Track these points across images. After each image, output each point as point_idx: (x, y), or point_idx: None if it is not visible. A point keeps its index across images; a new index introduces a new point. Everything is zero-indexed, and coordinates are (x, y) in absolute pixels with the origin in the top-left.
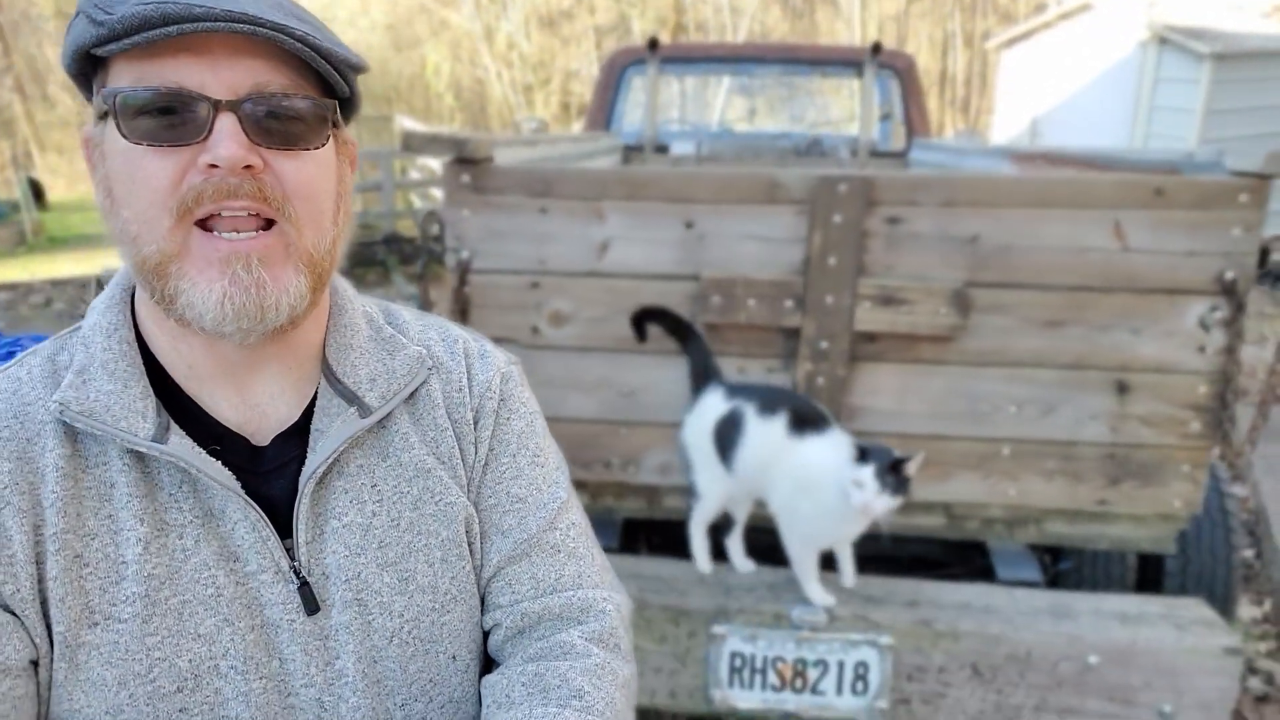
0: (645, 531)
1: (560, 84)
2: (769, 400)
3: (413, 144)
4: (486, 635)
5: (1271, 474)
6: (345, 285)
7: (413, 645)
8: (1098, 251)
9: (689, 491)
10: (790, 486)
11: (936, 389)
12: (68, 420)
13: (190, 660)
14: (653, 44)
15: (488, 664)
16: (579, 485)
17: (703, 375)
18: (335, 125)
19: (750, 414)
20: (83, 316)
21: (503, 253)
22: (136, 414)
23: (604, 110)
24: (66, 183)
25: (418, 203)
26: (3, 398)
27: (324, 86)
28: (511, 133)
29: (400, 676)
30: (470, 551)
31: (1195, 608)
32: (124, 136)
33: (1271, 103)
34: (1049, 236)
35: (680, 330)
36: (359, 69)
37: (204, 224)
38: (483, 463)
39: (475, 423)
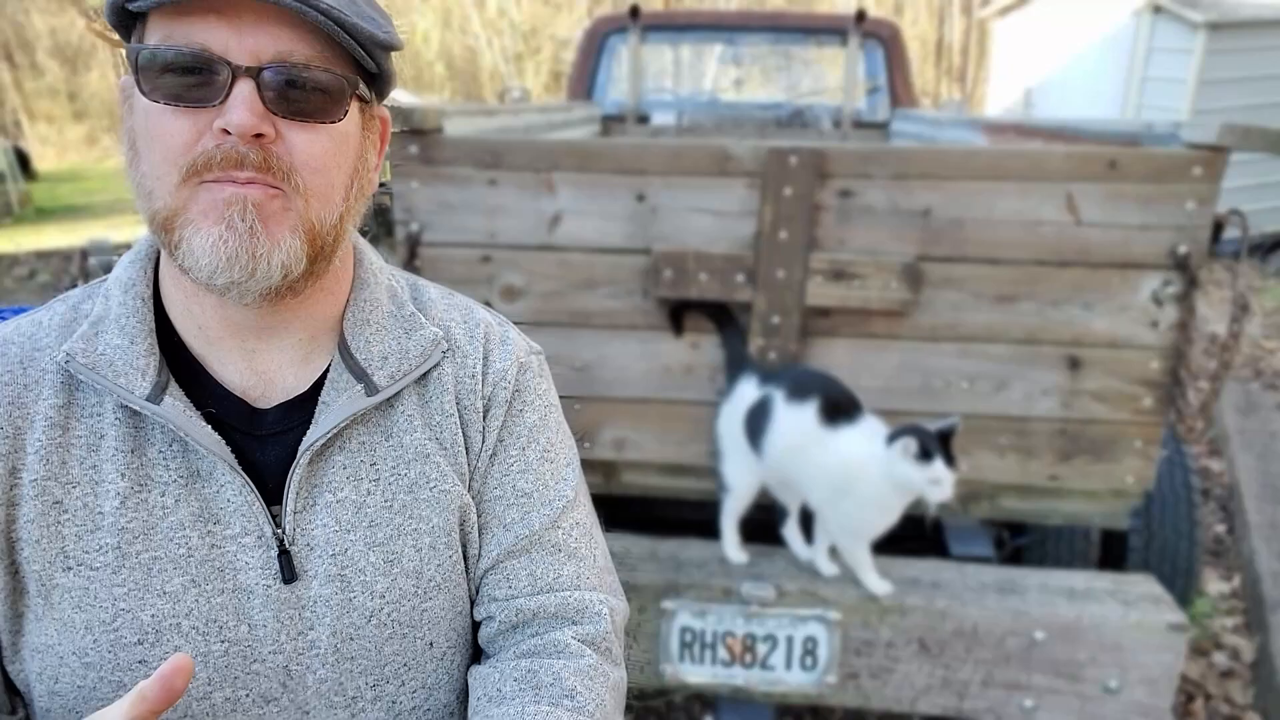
0: (603, 507)
1: (551, 52)
2: (800, 385)
3: None
4: (477, 626)
5: (1248, 449)
6: (374, 258)
7: (390, 627)
8: (1050, 225)
9: (717, 482)
10: (826, 484)
11: (889, 364)
12: (72, 370)
13: (152, 615)
14: (634, 11)
15: (475, 655)
16: None
17: (737, 363)
18: (364, 100)
19: (780, 400)
20: (69, 288)
21: (453, 225)
22: (137, 371)
23: (585, 80)
24: (57, 152)
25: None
26: (19, 341)
27: (353, 60)
28: (499, 102)
29: (374, 656)
30: (465, 541)
31: (1143, 584)
32: (144, 94)
33: (1266, 73)
34: (1001, 210)
35: (718, 316)
36: (389, 46)
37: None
38: (490, 453)
39: (486, 411)
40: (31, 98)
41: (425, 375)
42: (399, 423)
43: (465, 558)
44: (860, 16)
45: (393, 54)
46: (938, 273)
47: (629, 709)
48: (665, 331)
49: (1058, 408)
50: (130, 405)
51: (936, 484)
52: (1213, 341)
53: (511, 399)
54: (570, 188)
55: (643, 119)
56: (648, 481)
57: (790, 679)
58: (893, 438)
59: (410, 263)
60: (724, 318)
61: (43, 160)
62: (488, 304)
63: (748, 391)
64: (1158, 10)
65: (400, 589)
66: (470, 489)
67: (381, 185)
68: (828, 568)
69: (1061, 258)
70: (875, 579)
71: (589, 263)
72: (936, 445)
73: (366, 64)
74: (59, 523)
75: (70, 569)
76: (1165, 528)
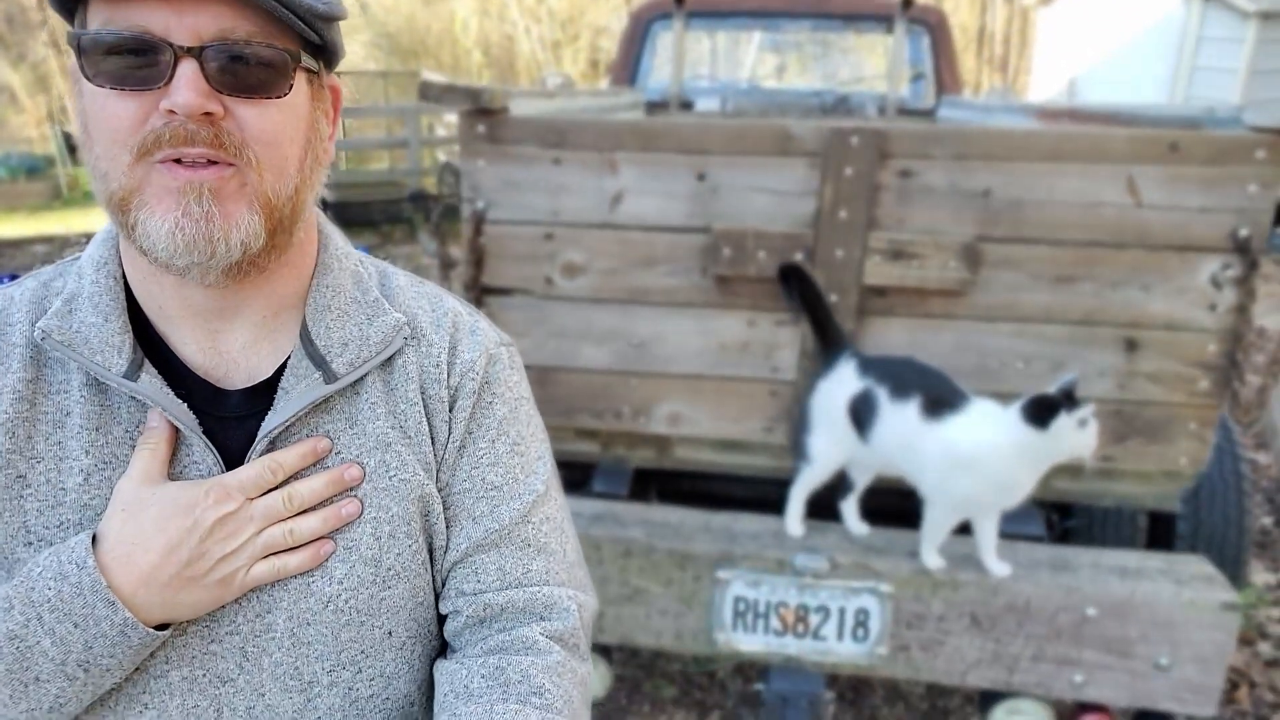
0: (655, 480)
1: (589, 40)
2: (903, 380)
3: (430, 94)
4: (443, 619)
5: None
6: (340, 243)
7: (347, 614)
8: (1111, 207)
9: (797, 453)
10: (943, 466)
11: (945, 344)
12: (47, 347)
13: None
14: None
15: (439, 647)
16: (591, 434)
17: (833, 342)
18: (311, 72)
19: (885, 395)
20: None
21: (517, 204)
22: (113, 349)
23: (629, 66)
24: None
25: (444, 159)
26: None
27: (296, 34)
28: (542, 88)
29: (330, 642)
30: (431, 532)
31: (1196, 564)
32: (88, 79)
33: None
34: (1062, 191)
35: (808, 294)
36: (330, 17)
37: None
38: (458, 445)
39: (453, 402)
40: None
41: (389, 363)
42: (363, 410)
43: (431, 549)
44: (907, 3)
45: (339, 23)
46: (996, 253)
47: (684, 675)
48: (722, 309)
49: (1114, 389)
50: (107, 382)
51: (1088, 445)
52: (1260, 335)
53: (480, 390)
54: (632, 167)
55: (686, 105)
56: (700, 457)
57: (841, 650)
58: (1041, 415)
59: (475, 240)
60: (813, 295)
61: None
62: (548, 280)
63: (847, 376)
64: None
65: (358, 576)
66: (438, 480)
67: (448, 164)
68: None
69: (1121, 239)
70: (934, 554)
71: (649, 241)
72: (1065, 405)
73: (309, 35)
74: (21, 497)
75: (31, 544)
76: (1214, 514)
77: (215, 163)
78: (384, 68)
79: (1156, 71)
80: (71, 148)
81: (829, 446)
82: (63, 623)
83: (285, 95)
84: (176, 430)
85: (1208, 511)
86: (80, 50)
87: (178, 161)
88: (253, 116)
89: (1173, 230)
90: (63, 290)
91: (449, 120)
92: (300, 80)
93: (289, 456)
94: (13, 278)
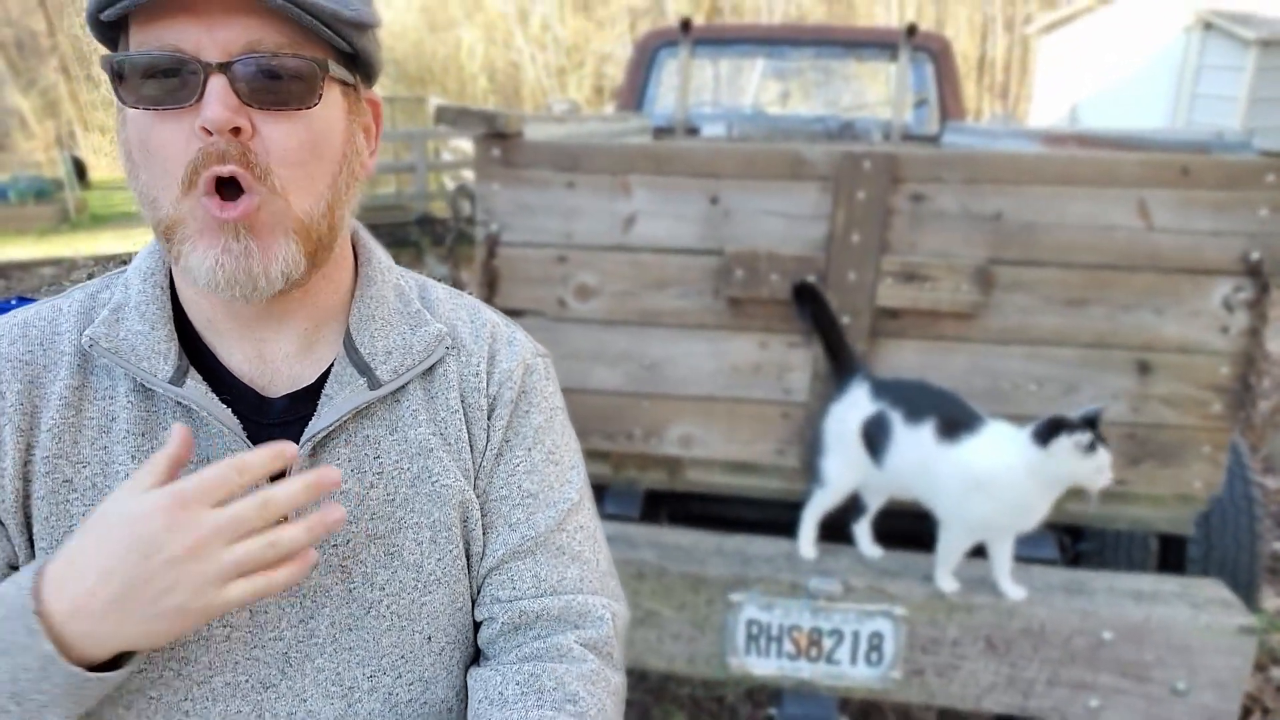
0: (666, 502)
1: (594, 67)
2: (916, 403)
3: (445, 118)
4: (478, 626)
5: None
6: (381, 257)
7: (389, 619)
8: (1122, 230)
9: (811, 476)
10: (958, 488)
11: (958, 366)
12: (94, 354)
13: None
14: (685, 25)
15: (475, 652)
16: (603, 456)
17: (846, 365)
18: (346, 84)
19: (899, 419)
20: None
21: (531, 226)
22: (159, 355)
23: (635, 92)
24: (109, 162)
25: (450, 184)
26: (40, 324)
27: (328, 45)
28: (553, 113)
29: (372, 648)
30: (469, 539)
31: (1211, 588)
32: (127, 104)
33: None
34: (1073, 215)
35: (821, 315)
36: (358, 24)
37: (208, 190)
38: (495, 452)
39: (491, 410)
40: (87, 109)
41: (430, 372)
42: (404, 417)
43: (468, 555)
44: (912, 30)
45: (373, 34)
46: (1008, 276)
47: (693, 700)
48: (734, 331)
49: (1127, 412)
50: (153, 388)
51: (1100, 471)
52: (1266, 359)
53: (517, 400)
54: (645, 190)
55: (692, 130)
56: (712, 479)
57: (855, 674)
58: (1045, 435)
59: (489, 262)
60: (826, 318)
61: (97, 169)
62: (561, 302)
63: (860, 399)
64: (1208, 27)
65: (400, 582)
66: (475, 487)
67: (462, 188)
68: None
69: (1133, 263)
70: (948, 577)
71: (661, 263)
72: (1087, 430)
73: (339, 45)
74: (68, 500)
75: None
76: (1226, 538)
77: (243, 189)
78: (390, 93)
79: (1157, 99)
80: (80, 172)
81: (842, 470)
82: None
83: (314, 106)
84: (190, 447)
85: (1219, 535)
86: (118, 76)
87: (217, 192)
88: (280, 134)
89: (1184, 253)
90: (110, 300)
91: (455, 145)
92: (334, 92)
93: (288, 488)
94: (21, 300)
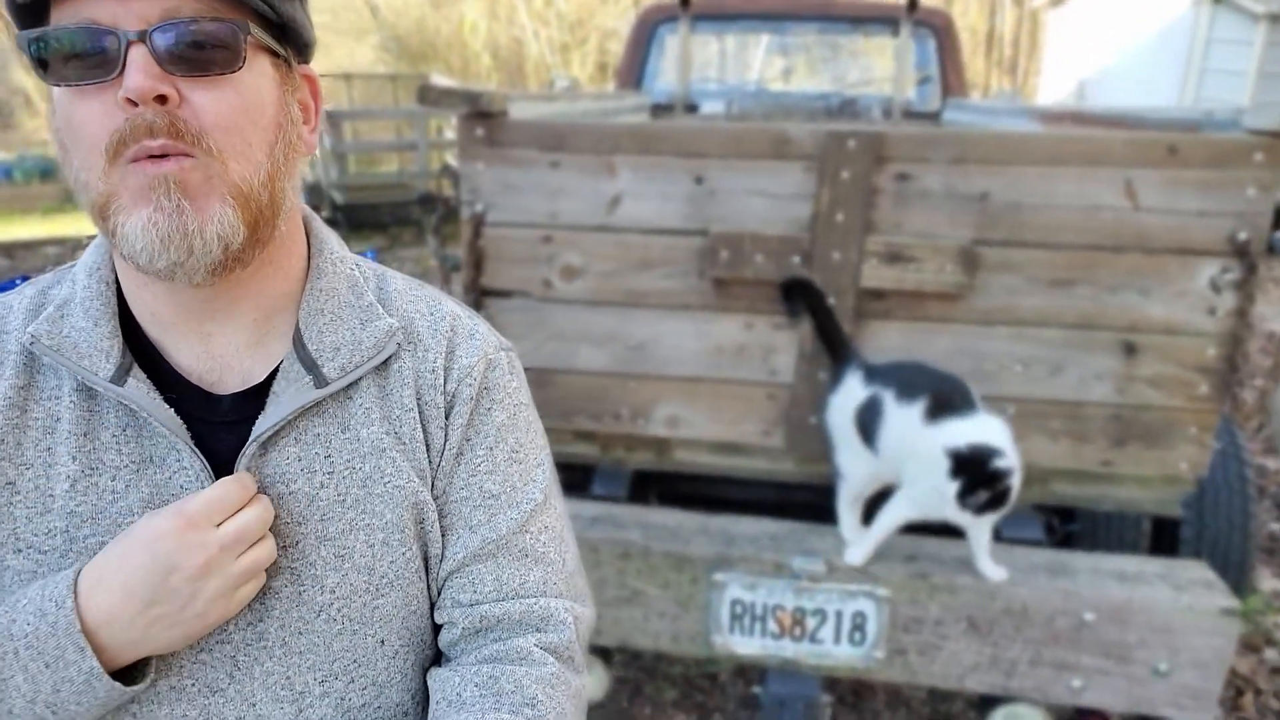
0: (655, 483)
1: (597, 43)
2: (908, 385)
3: (429, 97)
4: (438, 629)
5: None
6: (335, 247)
7: (340, 623)
8: (1108, 210)
9: (833, 471)
10: (926, 464)
11: (943, 347)
12: (36, 352)
13: None
14: (684, 0)
15: (432, 655)
16: (590, 437)
17: (842, 354)
18: (275, 54)
19: (890, 401)
20: None
21: (516, 206)
22: (101, 353)
23: (634, 69)
24: None
25: (452, 162)
26: None
27: (251, 11)
28: (544, 91)
29: (323, 652)
30: (426, 540)
31: (1195, 569)
32: (50, 83)
33: None
34: (1059, 195)
35: (816, 307)
36: None
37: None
38: (455, 451)
39: (450, 408)
40: None
41: (385, 368)
42: (356, 415)
43: (427, 557)
44: (913, 5)
45: (301, 3)
46: (994, 257)
47: (685, 678)
48: (719, 311)
49: (1112, 393)
50: (93, 386)
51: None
52: (1270, 339)
53: (478, 396)
54: (630, 170)
55: (691, 108)
56: (698, 459)
57: (838, 653)
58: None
59: (475, 242)
60: (821, 308)
61: None
62: (547, 283)
63: (855, 387)
64: (1217, 1)
65: (351, 584)
66: (434, 488)
67: (446, 167)
68: (859, 556)
69: (1119, 243)
70: (991, 565)
71: (646, 243)
72: (974, 473)
73: (261, 8)
74: (11, 504)
75: (20, 551)
76: (1219, 519)
77: (177, 155)
78: (393, 71)
79: (1166, 74)
80: None
81: (855, 460)
82: (35, 661)
83: (238, 70)
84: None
85: (1211, 517)
86: (38, 59)
87: (146, 160)
88: (209, 100)
89: (1171, 234)
90: (58, 296)
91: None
92: (261, 60)
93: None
94: (25, 279)
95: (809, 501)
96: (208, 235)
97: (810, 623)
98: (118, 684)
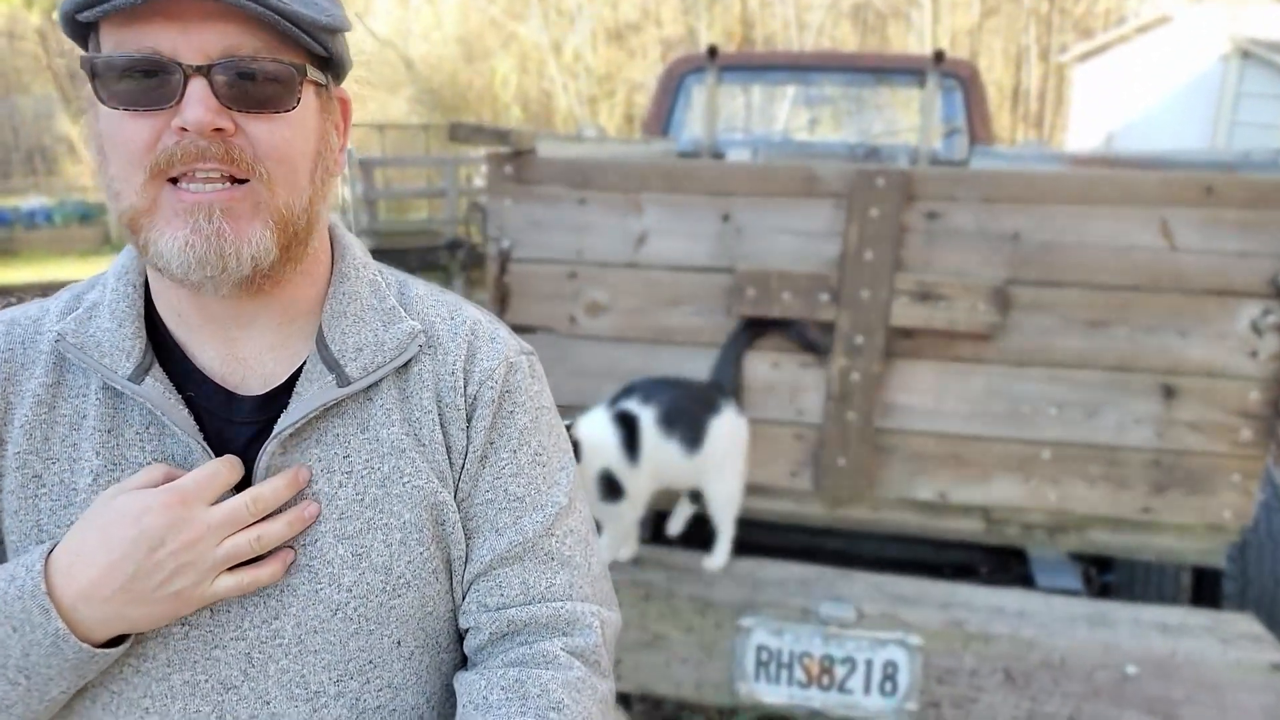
0: None
1: (625, 96)
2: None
3: (460, 135)
4: (463, 633)
5: None
6: (358, 253)
7: (356, 622)
8: (1144, 250)
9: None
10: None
11: (975, 388)
12: (61, 349)
13: None
14: (712, 51)
15: (451, 658)
16: None
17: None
18: (320, 85)
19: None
20: None
21: (542, 243)
22: (122, 353)
23: (661, 119)
24: None
25: (474, 201)
26: (25, 322)
27: (301, 48)
28: (572, 134)
29: (339, 651)
30: (448, 542)
31: (1242, 622)
32: (102, 101)
33: None
34: (1093, 234)
35: (739, 347)
36: (333, 29)
37: (175, 181)
38: (479, 454)
39: (471, 411)
40: None
41: (405, 370)
42: (376, 416)
43: (447, 559)
44: (939, 57)
45: (343, 36)
46: (1027, 296)
47: None
48: (746, 350)
49: (1152, 437)
50: (113, 384)
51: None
52: None
53: (500, 400)
54: (657, 208)
55: (717, 156)
56: None
57: (869, 704)
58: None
59: (500, 278)
60: (741, 352)
61: None
62: (572, 319)
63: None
64: (1246, 55)
65: (368, 584)
66: (458, 491)
67: (475, 205)
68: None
69: (1156, 284)
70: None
71: (673, 281)
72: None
73: (314, 48)
74: (36, 496)
75: (42, 542)
76: (1263, 571)
77: (229, 179)
78: (425, 122)
79: (1195, 127)
80: None
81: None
82: (3, 625)
83: (294, 109)
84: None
85: (1256, 569)
86: (94, 74)
87: (188, 178)
88: (263, 132)
89: (1210, 274)
90: (89, 299)
91: (486, 170)
92: (309, 93)
93: (273, 485)
94: None
95: (837, 547)
96: (243, 256)
97: (839, 671)
98: (86, 645)
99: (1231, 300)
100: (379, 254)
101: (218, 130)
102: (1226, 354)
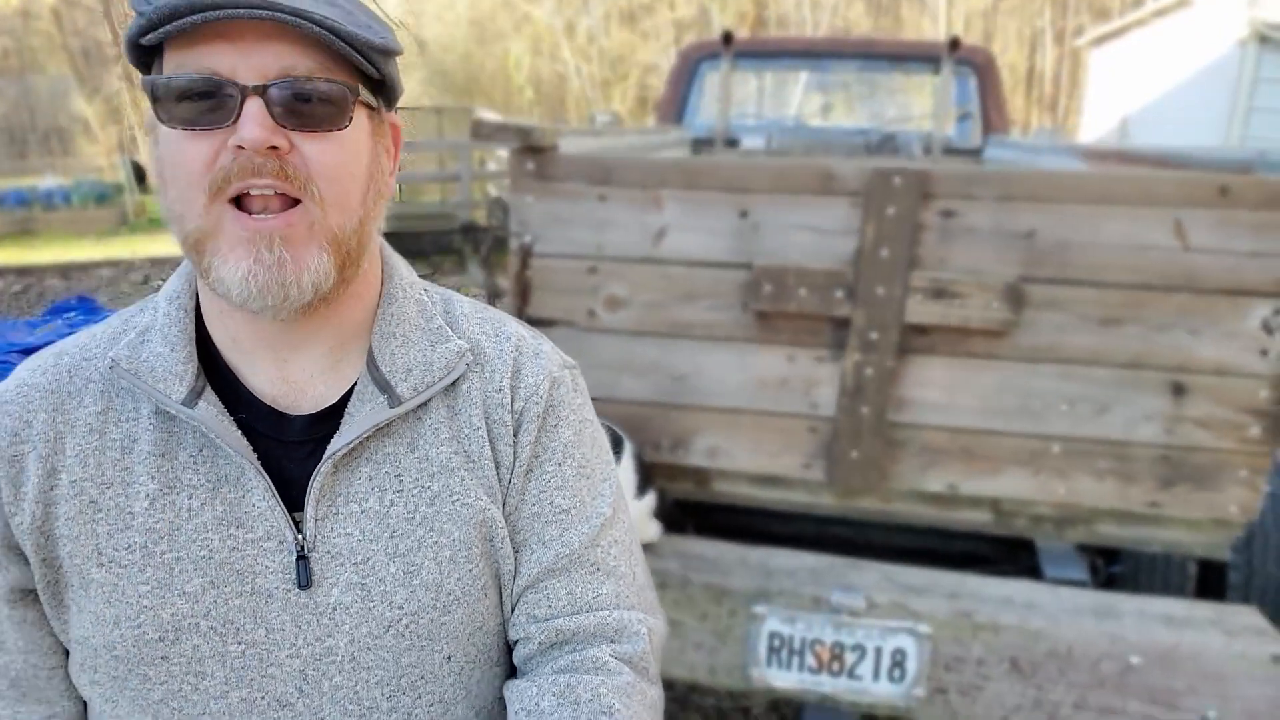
0: (693, 513)
1: (638, 79)
2: None
3: (482, 132)
4: (513, 644)
5: None
6: (405, 273)
7: (408, 639)
8: (1158, 250)
9: None
10: None
11: (987, 383)
12: (115, 375)
13: (172, 614)
14: (727, 37)
15: (500, 671)
16: None
17: None
18: (371, 108)
19: None
20: None
21: (563, 238)
22: (175, 377)
23: (676, 104)
24: None
25: (494, 193)
26: (73, 351)
27: (355, 69)
28: (589, 126)
29: (391, 667)
30: (498, 557)
31: (1246, 614)
32: (162, 122)
33: None
34: (1108, 233)
35: None
36: (386, 51)
37: (237, 202)
38: (525, 469)
39: (518, 426)
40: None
41: (453, 388)
42: (425, 435)
43: (497, 575)
44: (955, 44)
45: (395, 59)
46: (1040, 294)
47: (718, 711)
48: (762, 344)
49: (1160, 433)
50: (166, 409)
51: None
52: None
53: (544, 414)
54: (676, 204)
55: (731, 142)
56: (737, 490)
57: (877, 690)
58: None
59: (522, 273)
60: None
61: None
62: (591, 313)
63: None
64: (1264, 40)
65: (419, 600)
66: (505, 506)
67: (498, 200)
68: None
69: (1168, 283)
70: None
71: (691, 276)
72: None
73: (368, 70)
74: (94, 520)
75: (103, 565)
76: (1268, 564)
77: (282, 198)
78: (438, 104)
79: (1211, 112)
80: (140, 176)
81: None
82: None
83: (346, 128)
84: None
85: (1261, 561)
86: (155, 97)
87: (247, 199)
88: (316, 151)
89: (1222, 274)
90: (140, 324)
91: (500, 155)
92: (361, 115)
93: None
94: (82, 300)
95: (848, 536)
96: (304, 284)
97: (849, 658)
98: None
99: (1243, 300)
100: (395, 237)
101: (273, 149)
102: (1237, 352)
